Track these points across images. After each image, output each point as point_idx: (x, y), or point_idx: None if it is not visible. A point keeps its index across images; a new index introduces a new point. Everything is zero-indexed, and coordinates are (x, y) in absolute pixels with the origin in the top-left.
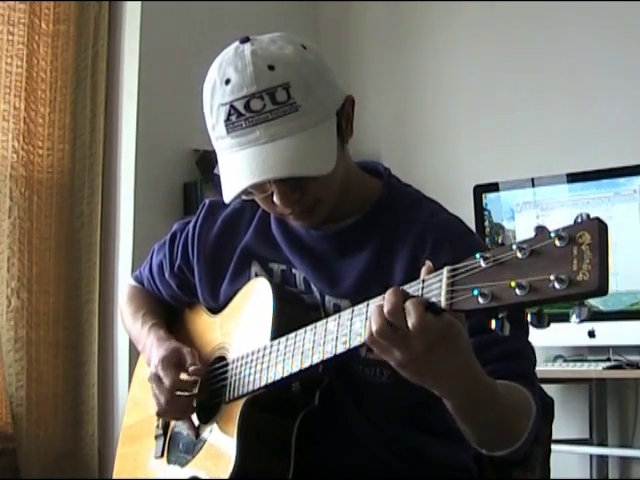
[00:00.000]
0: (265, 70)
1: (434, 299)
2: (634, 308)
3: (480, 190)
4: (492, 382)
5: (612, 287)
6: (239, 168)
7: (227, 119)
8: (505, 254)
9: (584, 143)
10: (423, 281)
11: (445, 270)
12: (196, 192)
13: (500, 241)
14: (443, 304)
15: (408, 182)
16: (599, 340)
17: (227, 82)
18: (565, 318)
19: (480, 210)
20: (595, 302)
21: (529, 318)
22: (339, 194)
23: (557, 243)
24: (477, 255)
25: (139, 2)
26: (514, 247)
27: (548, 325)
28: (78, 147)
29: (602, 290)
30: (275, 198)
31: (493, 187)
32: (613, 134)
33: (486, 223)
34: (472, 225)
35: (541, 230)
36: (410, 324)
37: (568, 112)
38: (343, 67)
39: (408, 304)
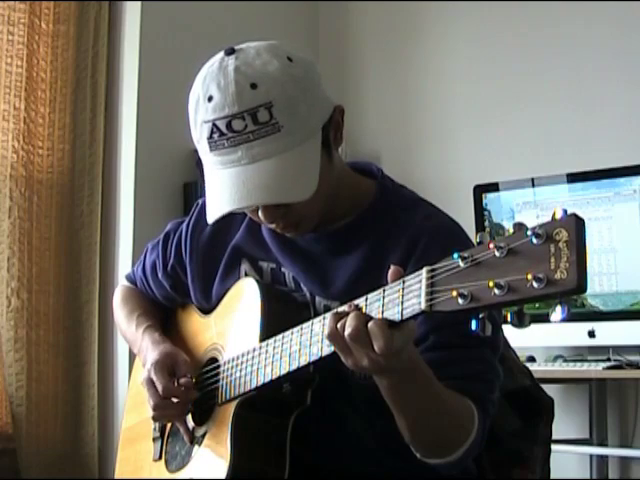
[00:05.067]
0: (247, 89)
1: (414, 300)
2: (634, 308)
3: (480, 190)
4: (431, 374)
5: (612, 287)
6: (221, 190)
7: (210, 137)
8: (483, 253)
9: (584, 143)
10: (403, 282)
11: (424, 271)
12: (196, 192)
13: (479, 240)
14: (423, 306)
15: (408, 182)
16: (599, 340)
17: (210, 99)
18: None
19: (480, 210)
20: (595, 302)
21: (509, 317)
22: (329, 200)
23: (534, 241)
24: (455, 255)
25: (139, 2)
26: (492, 246)
27: (529, 324)
28: (78, 147)
29: (580, 288)
30: (260, 214)
31: (493, 187)
32: (613, 134)
33: (486, 223)
34: (472, 225)
35: (519, 227)
36: (377, 347)
37: (568, 112)
38: (343, 67)
39: (373, 327)
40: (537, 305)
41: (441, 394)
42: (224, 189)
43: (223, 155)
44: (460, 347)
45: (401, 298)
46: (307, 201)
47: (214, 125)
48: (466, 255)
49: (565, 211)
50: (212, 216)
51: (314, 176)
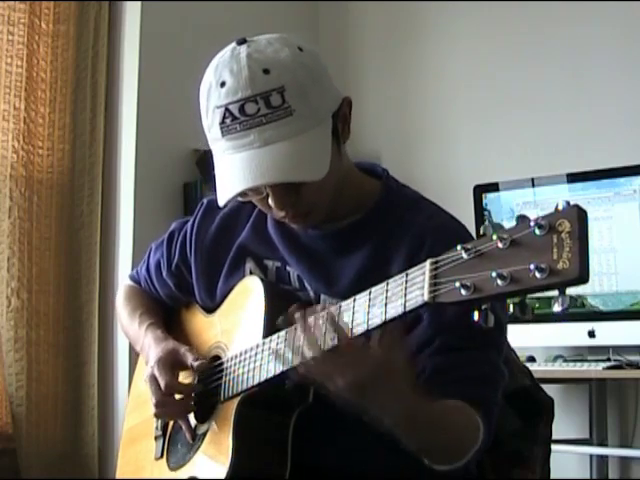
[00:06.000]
0: (260, 74)
1: (417, 291)
2: (634, 308)
3: (480, 190)
4: (430, 409)
5: (612, 287)
6: (233, 172)
7: (222, 122)
8: (486, 245)
9: (584, 143)
10: (406, 274)
11: (428, 263)
12: (196, 192)
13: (482, 232)
14: (426, 297)
15: (408, 182)
16: (599, 340)
17: (222, 85)
18: (564, 318)
19: (480, 210)
20: (595, 302)
21: (512, 309)
22: (336, 195)
23: (537, 232)
24: (458, 247)
25: (139, 2)
26: (495, 237)
27: (532, 315)
28: (78, 147)
29: (583, 278)
30: (270, 201)
31: (493, 187)
32: (613, 134)
33: (486, 223)
34: (472, 225)
35: (522, 219)
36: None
37: (568, 112)
38: (343, 67)
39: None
40: (537, 305)
41: (443, 419)
42: (236, 172)
43: (235, 139)
44: (467, 349)
45: (404, 290)
46: (317, 187)
47: (227, 109)
48: (469, 247)
49: (567, 202)
50: (224, 197)
51: (326, 158)
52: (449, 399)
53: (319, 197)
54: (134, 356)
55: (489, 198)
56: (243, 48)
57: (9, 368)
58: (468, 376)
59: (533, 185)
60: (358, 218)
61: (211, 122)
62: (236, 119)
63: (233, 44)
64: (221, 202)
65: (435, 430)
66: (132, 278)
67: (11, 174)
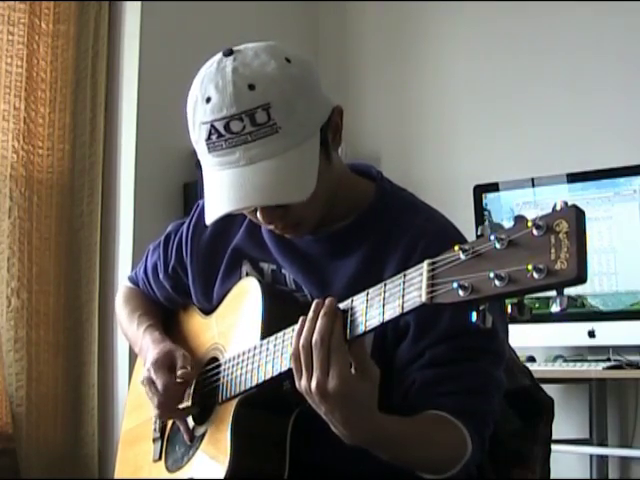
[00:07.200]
0: (245, 90)
1: (415, 292)
2: (634, 308)
3: (480, 190)
4: (400, 428)
5: (612, 287)
6: (219, 191)
7: (208, 138)
8: (484, 245)
9: (584, 143)
10: (404, 275)
11: (425, 264)
12: (196, 192)
13: (479, 232)
14: (424, 298)
15: (408, 182)
16: (599, 340)
17: (208, 100)
18: (564, 318)
19: (480, 210)
20: (595, 302)
21: (510, 309)
22: (329, 200)
23: (535, 232)
24: (456, 247)
25: (139, 2)
26: (492, 238)
27: (530, 315)
28: (78, 147)
29: (580, 279)
30: (258, 215)
31: (493, 187)
32: (613, 134)
33: (486, 223)
34: (472, 225)
35: (520, 219)
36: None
37: (568, 112)
38: (343, 67)
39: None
40: (537, 305)
41: (417, 436)
42: (222, 190)
43: (221, 156)
44: (458, 362)
45: (402, 291)
46: (305, 202)
47: (212, 126)
48: (467, 247)
49: (566, 203)
50: (210, 217)
51: (312, 177)
52: (439, 411)
53: (308, 211)
54: (134, 356)
55: (489, 198)
56: (229, 61)
57: (9, 368)
58: (459, 388)
59: (533, 185)
60: (352, 220)
61: (197, 137)
62: (222, 136)
63: (219, 55)
64: (207, 222)
65: (406, 448)
66: (131, 280)
67: (11, 174)
